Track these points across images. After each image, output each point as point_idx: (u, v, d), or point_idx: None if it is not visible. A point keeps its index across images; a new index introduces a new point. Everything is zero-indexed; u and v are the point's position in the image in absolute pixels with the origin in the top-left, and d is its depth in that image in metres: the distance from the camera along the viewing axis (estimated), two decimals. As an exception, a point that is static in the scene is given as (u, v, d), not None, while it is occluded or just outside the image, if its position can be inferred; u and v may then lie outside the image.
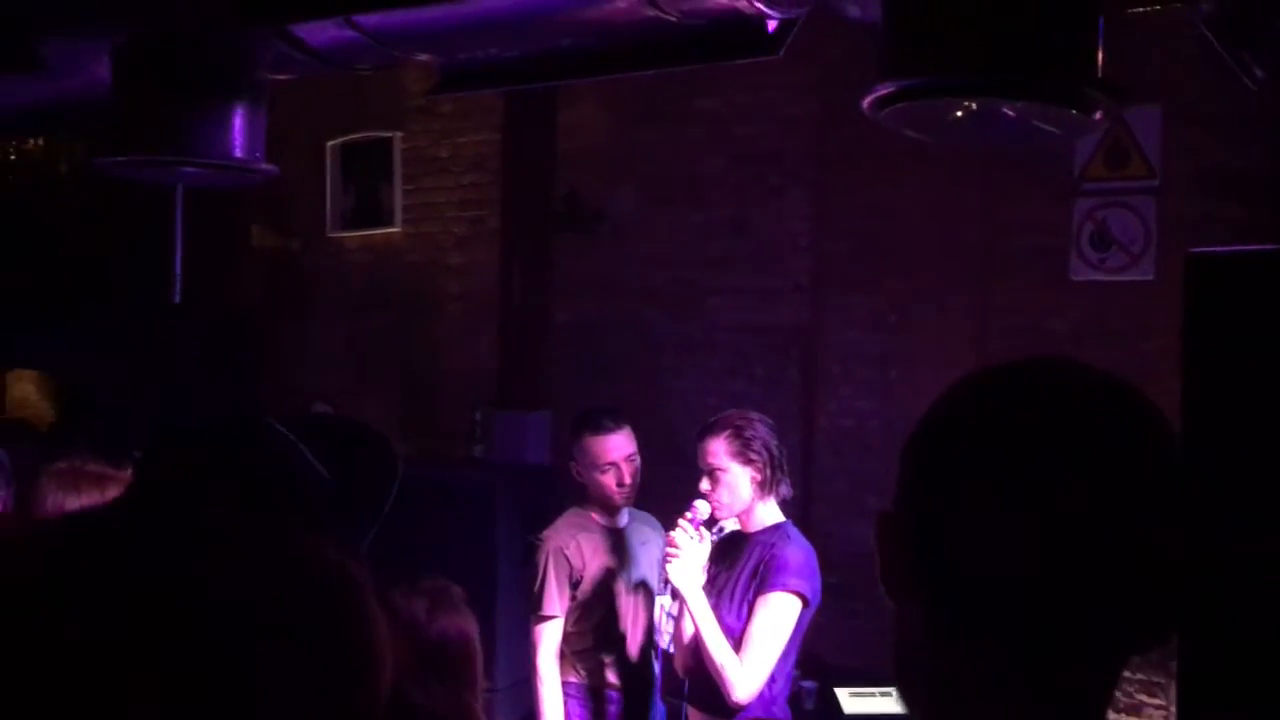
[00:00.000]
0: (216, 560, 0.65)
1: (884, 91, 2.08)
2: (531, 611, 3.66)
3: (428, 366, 6.26)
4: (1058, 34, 2.07)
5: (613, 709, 3.72)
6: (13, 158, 6.63)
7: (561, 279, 6.00)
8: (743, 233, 5.55)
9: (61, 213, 6.36)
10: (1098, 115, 2.04)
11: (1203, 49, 3.92)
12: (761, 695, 3.19)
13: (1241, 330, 1.88)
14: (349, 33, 2.83)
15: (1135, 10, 3.30)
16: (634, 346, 5.72)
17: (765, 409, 3.54)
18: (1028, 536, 0.83)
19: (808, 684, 4.54)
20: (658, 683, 3.74)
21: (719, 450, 3.27)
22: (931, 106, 2.11)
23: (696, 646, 3.23)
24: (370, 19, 2.83)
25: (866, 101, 2.14)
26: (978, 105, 2.02)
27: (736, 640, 3.16)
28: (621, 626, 3.68)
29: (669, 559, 3.26)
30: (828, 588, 3.29)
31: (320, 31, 2.88)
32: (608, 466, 3.66)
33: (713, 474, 3.27)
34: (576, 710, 3.70)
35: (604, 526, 3.73)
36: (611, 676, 3.70)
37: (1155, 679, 4.72)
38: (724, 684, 3.13)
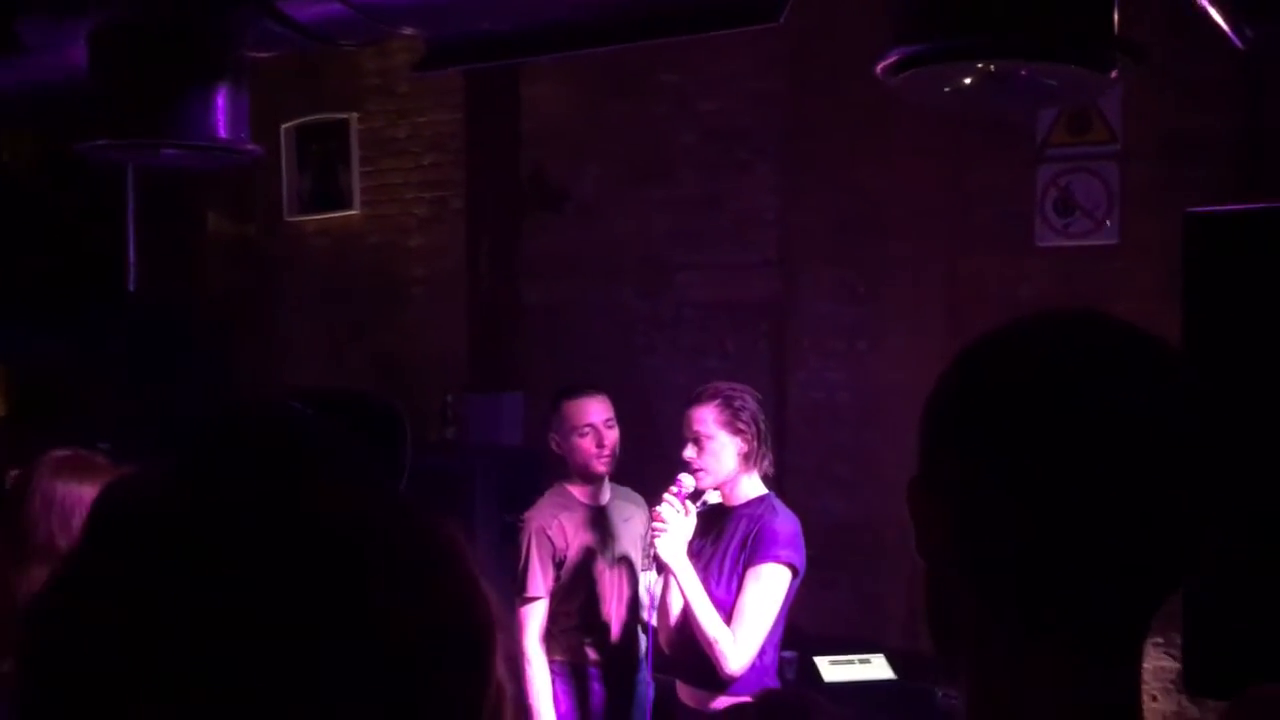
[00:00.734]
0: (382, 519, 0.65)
1: (899, 55, 2.08)
2: (515, 594, 3.62)
3: (396, 350, 6.18)
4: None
5: (598, 686, 3.72)
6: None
7: (529, 259, 5.96)
8: (711, 208, 5.53)
9: (8, 201, 6.17)
10: (1113, 74, 2.06)
11: (1167, 11, 3.98)
12: (753, 666, 3.21)
13: (1240, 286, 1.92)
14: (336, 6, 2.77)
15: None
16: (605, 325, 5.69)
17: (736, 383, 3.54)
18: (1058, 497, 0.83)
19: (788, 654, 4.55)
20: (644, 659, 3.73)
21: (707, 418, 3.27)
22: (946, 71, 2.11)
23: (686, 621, 3.24)
24: (359, -8, 2.78)
25: (880, 67, 2.13)
26: (995, 68, 2.02)
27: (727, 613, 3.17)
28: (606, 604, 3.67)
29: (656, 534, 3.26)
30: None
31: (307, 6, 2.82)
32: (586, 429, 3.64)
33: (698, 440, 3.26)
34: (562, 689, 3.69)
35: (586, 505, 3.72)
36: (596, 654, 3.69)
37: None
38: (717, 657, 3.14)
